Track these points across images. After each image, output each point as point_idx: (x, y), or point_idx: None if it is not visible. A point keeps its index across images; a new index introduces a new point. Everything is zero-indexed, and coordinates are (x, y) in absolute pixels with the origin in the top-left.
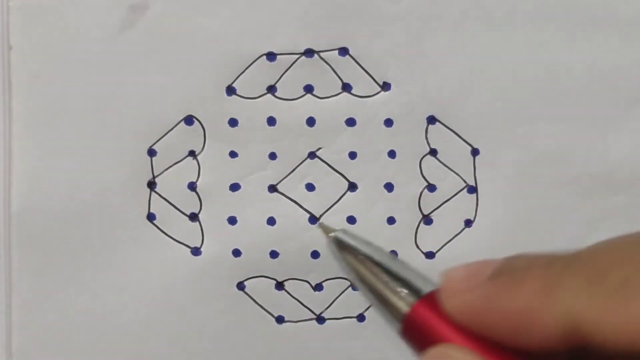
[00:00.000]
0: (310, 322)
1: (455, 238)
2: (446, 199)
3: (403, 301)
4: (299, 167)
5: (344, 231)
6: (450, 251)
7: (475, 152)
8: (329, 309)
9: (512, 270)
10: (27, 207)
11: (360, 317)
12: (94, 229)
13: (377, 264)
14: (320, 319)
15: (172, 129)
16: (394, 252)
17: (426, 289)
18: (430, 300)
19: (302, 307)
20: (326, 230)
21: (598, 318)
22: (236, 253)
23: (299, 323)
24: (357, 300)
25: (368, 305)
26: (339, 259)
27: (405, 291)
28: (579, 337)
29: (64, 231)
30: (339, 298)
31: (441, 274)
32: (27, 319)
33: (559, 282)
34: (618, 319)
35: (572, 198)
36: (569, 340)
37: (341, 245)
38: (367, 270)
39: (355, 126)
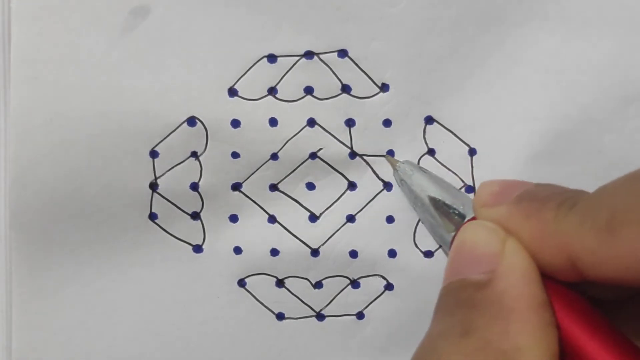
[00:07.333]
0: (310, 319)
1: None
2: None
3: (453, 223)
4: (299, 167)
5: (408, 162)
6: None
7: (472, 151)
8: (328, 307)
9: (533, 199)
10: (28, 208)
11: (360, 315)
12: (95, 230)
13: (434, 192)
14: (320, 316)
15: (174, 130)
16: (392, 251)
17: (469, 215)
18: None
19: (302, 304)
20: (392, 162)
21: (589, 253)
22: (237, 250)
23: (299, 320)
24: (356, 299)
25: (367, 304)
26: (403, 186)
27: (455, 216)
28: (579, 270)
29: (64, 232)
30: (338, 296)
31: (479, 185)
32: (27, 319)
33: (563, 219)
34: (605, 254)
35: None
36: (575, 273)
37: (405, 175)
38: (425, 197)
39: (355, 127)
